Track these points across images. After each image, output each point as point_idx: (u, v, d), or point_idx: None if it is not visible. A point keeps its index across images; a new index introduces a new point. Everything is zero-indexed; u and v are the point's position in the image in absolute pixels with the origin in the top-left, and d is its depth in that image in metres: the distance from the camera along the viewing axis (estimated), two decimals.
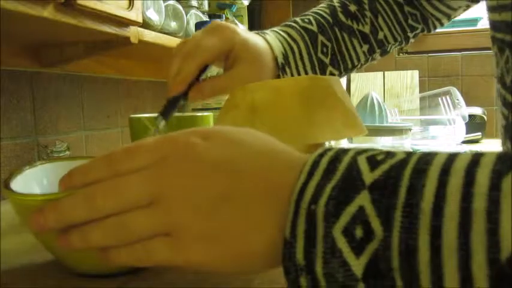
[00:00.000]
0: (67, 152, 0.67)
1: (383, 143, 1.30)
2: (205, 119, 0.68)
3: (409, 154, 0.24)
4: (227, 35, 0.52)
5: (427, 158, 0.23)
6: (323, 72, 0.62)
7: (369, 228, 0.22)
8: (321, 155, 0.26)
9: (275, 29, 0.61)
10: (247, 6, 1.54)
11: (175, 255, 0.26)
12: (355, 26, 0.63)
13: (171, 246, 0.26)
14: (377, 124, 1.38)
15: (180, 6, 1.01)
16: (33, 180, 0.42)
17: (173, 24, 0.99)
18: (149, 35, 0.86)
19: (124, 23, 0.76)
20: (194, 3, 1.10)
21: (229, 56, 0.53)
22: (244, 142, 0.28)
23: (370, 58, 0.65)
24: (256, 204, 0.26)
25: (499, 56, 0.46)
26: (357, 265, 0.22)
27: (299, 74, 0.60)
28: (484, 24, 2.00)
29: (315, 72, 0.61)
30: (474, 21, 2.00)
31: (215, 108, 0.81)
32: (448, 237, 0.20)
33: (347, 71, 0.64)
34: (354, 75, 1.97)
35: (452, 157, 0.22)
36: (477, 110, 1.61)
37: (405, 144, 1.28)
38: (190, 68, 0.51)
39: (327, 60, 0.62)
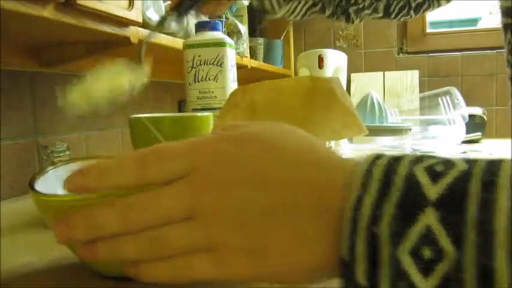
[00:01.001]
0: (67, 152, 0.67)
1: (383, 143, 1.30)
2: (205, 119, 0.68)
3: (469, 163, 0.23)
4: None
5: (492, 169, 0.22)
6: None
7: (437, 248, 0.21)
8: (372, 163, 0.24)
9: None
10: (247, 6, 1.54)
11: (220, 270, 0.25)
12: None
13: (214, 262, 0.25)
14: (377, 124, 1.38)
15: None
16: (57, 181, 0.42)
17: (173, 24, 0.99)
18: None
19: (124, 23, 0.76)
20: None
21: None
22: (279, 145, 0.27)
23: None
24: (302, 218, 0.24)
25: None
26: (426, 287, 0.21)
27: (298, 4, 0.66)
28: (484, 24, 2.00)
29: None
30: (474, 21, 2.01)
31: (215, 108, 0.81)
32: None
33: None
34: (354, 75, 1.97)
35: None
36: (477, 110, 1.61)
37: (405, 144, 1.28)
38: None
39: None
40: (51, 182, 0.41)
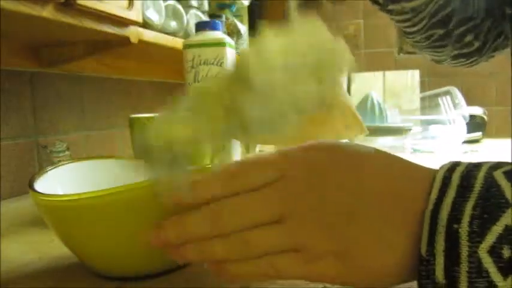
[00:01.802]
0: (67, 152, 0.67)
1: (383, 143, 1.29)
2: None
3: None
4: None
5: None
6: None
7: None
8: (451, 170, 0.25)
9: None
10: (247, 6, 1.54)
11: (307, 270, 0.27)
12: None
13: (301, 262, 0.26)
14: (377, 124, 1.38)
15: (180, 6, 1.01)
16: (57, 181, 0.42)
17: (173, 24, 0.99)
18: (149, 35, 0.86)
19: (124, 23, 0.76)
20: (194, 3, 1.10)
21: None
22: (366, 158, 0.28)
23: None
24: (384, 221, 0.25)
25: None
26: (505, 286, 0.21)
27: None
28: None
29: None
30: None
31: None
32: None
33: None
34: (354, 75, 1.97)
35: None
36: (477, 110, 1.61)
37: (405, 144, 1.28)
38: None
39: None
40: (51, 182, 0.41)
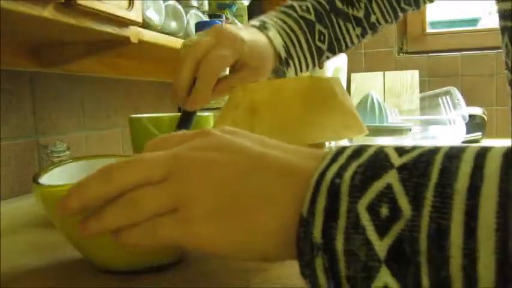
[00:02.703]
0: (67, 152, 0.67)
1: (383, 143, 1.30)
2: (205, 120, 0.68)
3: (437, 147, 0.23)
4: (237, 46, 0.53)
5: (458, 148, 0.22)
6: (320, 57, 0.66)
7: (395, 207, 0.21)
8: (344, 147, 0.25)
9: (274, 17, 0.64)
10: (247, 6, 1.54)
11: (184, 232, 0.26)
12: (350, 11, 0.67)
13: (179, 223, 0.26)
14: (377, 124, 1.38)
15: (180, 6, 1.01)
16: (59, 179, 0.42)
17: (173, 24, 0.99)
18: (149, 35, 0.86)
19: (124, 23, 0.76)
20: (194, 3, 1.10)
21: (236, 63, 0.55)
22: (269, 140, 0.29)
23: (362, 39, 0.70)
24: (274, 182, 0.25)
25: (510, 46, 0.46)
26: (380, 246, 0.21)
27: (300, 64, 0.64)
28: (484, 24, 2.00)
29: (313, 59, 0.65)
30: (474, 21, 2.00)
31: (215, 109, 0.81)
32: (486, 218, 0.19)
33: (341, 52, 0.69)
34: (354, 75, 1.97)
35: (485, 147, 0.22)
36: (477, 110, 1.61)
37: (405, 144, 1.28)
38: (207, 88, 0.53)
39: (324, 47, 0.66)
40: (54, 180, 0.41)
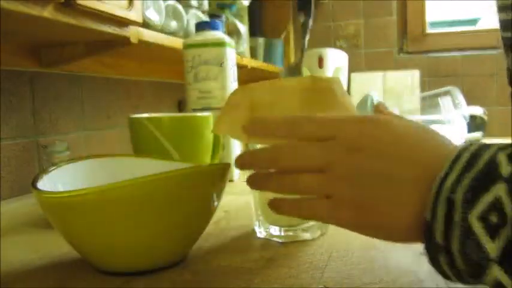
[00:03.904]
0: (67, 152, 0.67)
1: None
2: (205, 119, 0.68)
3: None
4: None
5: None
6: None
7: (503, 214, 0.24)
8: (465, 149, 0.29)
9: None
10: (247, 6, 1.54)
11: (331, 215, 0.33)
12: None
13: (329, 207, 0.33)
14: None
15: (180, 6, 1.01)
16: (58, 181, 0.42)
17: (173, 24, 0.99)
18: (149, 35, 0.86)
19: (124, 23, 0.76)
20: (194, 3, 1.10)
21: None
22: (405, 134, 0.33)
23: None
24: (408, 186, 0.30)
25: (509, 55, 0.46)
26: (491, 248, 0.25)
27: None
28: (484, 24, 2.00)
29: None
30: (474, 21, 2.00)
31: (215, 108, 0.81)
32: None
33: None
34: (354, 75, 1.97)
35: None
36: (478, 110, 1.60)
37: None
38: None
39: None
40: (53, 182, 0.41)
